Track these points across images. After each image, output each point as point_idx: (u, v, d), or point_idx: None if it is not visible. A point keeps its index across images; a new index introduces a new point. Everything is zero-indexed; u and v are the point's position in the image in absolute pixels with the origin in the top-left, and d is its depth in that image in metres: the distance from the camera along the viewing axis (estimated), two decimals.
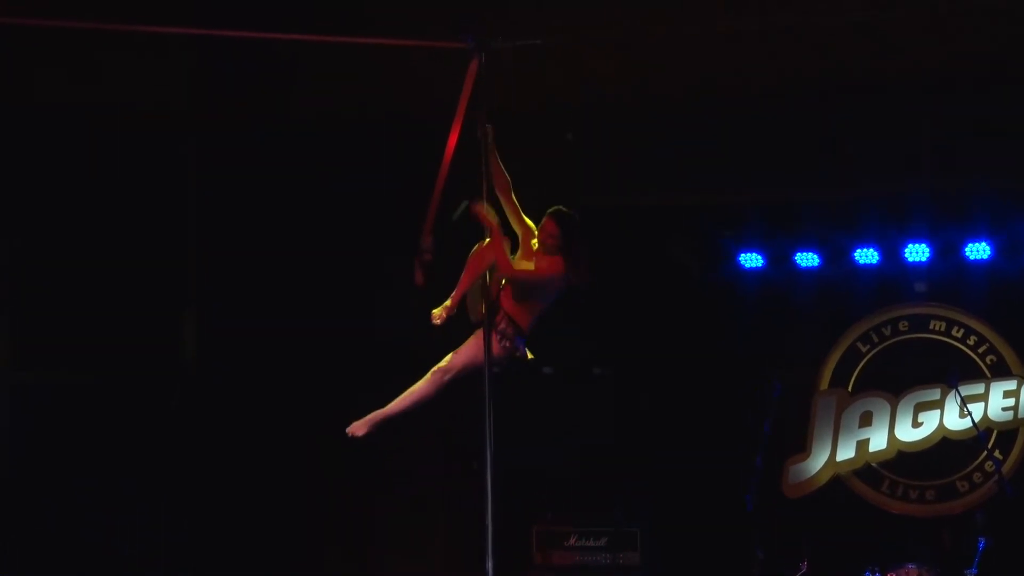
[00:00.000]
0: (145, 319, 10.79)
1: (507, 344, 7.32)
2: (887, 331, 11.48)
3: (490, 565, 7.32)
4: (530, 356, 7.45)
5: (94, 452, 10.48)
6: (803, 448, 11.40)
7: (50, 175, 10.48)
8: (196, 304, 11.03)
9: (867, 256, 11.28)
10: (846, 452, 11.34)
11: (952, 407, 11.05)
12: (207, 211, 11.05)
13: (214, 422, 10.97)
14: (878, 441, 11.30)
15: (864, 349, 11.48)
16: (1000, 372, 11.19)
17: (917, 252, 11.19)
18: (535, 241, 7.40)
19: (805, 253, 11.37)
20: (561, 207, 7.37)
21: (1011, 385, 11.15)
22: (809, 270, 11.42)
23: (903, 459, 11.26)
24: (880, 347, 11.47)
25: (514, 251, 7.39)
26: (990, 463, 10.86)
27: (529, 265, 7.35)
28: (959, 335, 11.33)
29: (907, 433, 11.27)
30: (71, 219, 10.62)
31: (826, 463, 11.36)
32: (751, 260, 11.47)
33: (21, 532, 10.16)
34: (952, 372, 10.62)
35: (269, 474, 11.01)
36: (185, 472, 10.78)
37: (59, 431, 10.50)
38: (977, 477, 11.10)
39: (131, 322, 10.72)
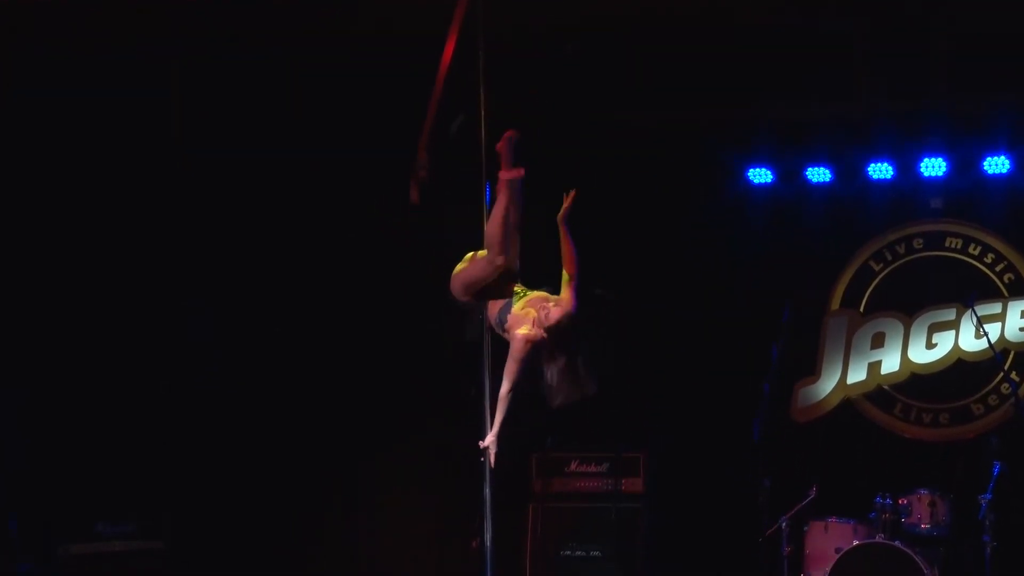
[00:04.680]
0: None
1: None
2: (901, 249, 11.52)
3: (487, 492, 7.45)
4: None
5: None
6: (813, 371, 11.49)
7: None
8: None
9: (881, 171, 11.28)
10: (857, 374, 11.43)
11: (968, 327, 11.11)
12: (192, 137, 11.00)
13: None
14: (890, 363, 11.39)
15: (877, 268, 11.53)
16: (1018, 291, 11.22)
17: (933, 166, 11.19)
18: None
19: (816, 168, 11.36)
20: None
21: None
22: (821, 186, 11.42)
23: (916, 381, 11.34)
24: (894, 266, 11.51)
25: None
26: (1006, 385, 10.95)
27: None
28: (976, 252, 11.37)
29: (921, 355, 11.34)
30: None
31: (836, 386, 11.45)
32: (760, 176, 11.47)
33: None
34: (968, 291, 10.69)
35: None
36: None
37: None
38: (993, 400, 11.19)
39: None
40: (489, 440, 7.33)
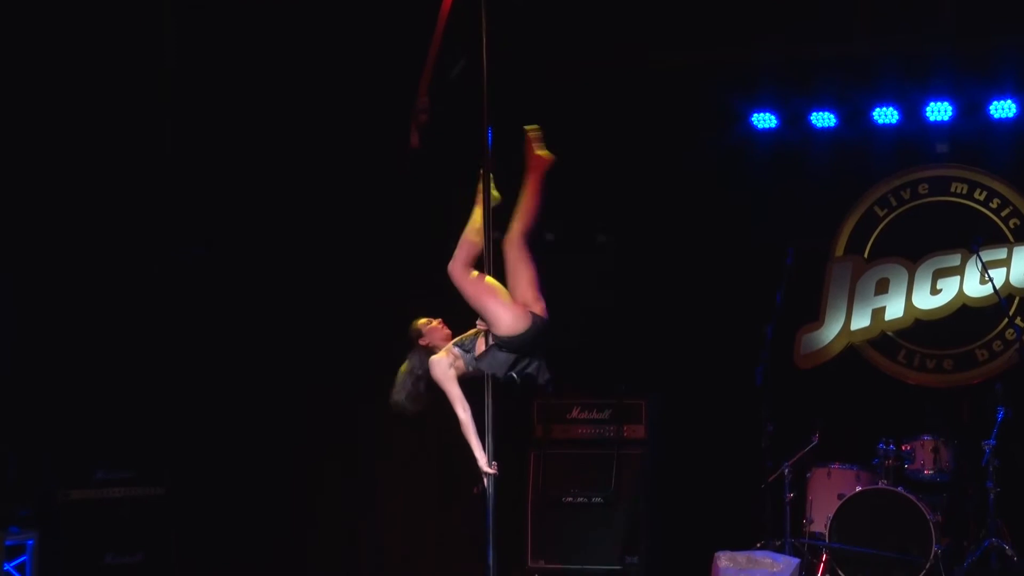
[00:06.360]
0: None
1: None
2: (906, 194, 11.52)
3: (489, 440, 7.49)
4: None
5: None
6: (816, 317, 11.51)
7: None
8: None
9: (886, 115, 11.27)
10: (861, 321, 11.45)
11: (972, 273, 11.13)
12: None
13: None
14: (895, 309, 11.41)
15: (882, 213, 11.53)
16: None
17: (939, 111, 11.17)
18: None
19: (821, 113, 11.36)
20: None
21: None
22: (825, 131, 11.42)
23: (920, 327, 11.37)
24: (898, 211, 11.51)
25: None
26: (1011, 331, 10.97)
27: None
28: (981, 198, 11.36)
29: (925, 300, 11.36)
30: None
31: (840, 332, 11.48)
32: (764, 121, 11.46)
33: None
34: (973, 236, 10.70)
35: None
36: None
37: None
38: (997, 345, 11.21)
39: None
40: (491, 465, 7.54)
